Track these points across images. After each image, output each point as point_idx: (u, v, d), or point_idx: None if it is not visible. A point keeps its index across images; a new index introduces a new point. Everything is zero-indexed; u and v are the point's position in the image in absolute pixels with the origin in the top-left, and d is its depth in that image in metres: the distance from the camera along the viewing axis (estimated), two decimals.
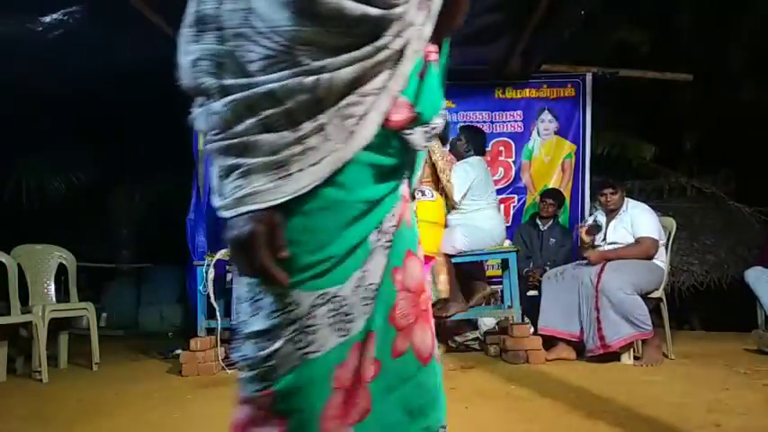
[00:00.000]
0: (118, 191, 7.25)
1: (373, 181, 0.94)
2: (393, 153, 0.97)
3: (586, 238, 4.14)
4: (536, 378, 3.36)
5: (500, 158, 5.37)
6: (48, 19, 4.02)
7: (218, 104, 0.85)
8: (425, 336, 1.06)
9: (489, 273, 5.03)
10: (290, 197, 0.86)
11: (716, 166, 6.52)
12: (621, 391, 2.95)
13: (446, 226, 4.17)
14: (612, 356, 3.76)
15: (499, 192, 4.99)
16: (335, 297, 0.92)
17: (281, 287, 0.89)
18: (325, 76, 0.84)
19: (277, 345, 0.91)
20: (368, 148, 0.90)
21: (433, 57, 1.01)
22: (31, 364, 3.91)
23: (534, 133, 5.36)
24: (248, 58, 0.84)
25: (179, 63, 0.92)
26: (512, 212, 5.34)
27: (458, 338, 4.63)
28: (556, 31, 4.54)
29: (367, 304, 0.96)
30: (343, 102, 0.87)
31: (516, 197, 5.37)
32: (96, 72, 4.65)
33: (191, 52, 0.89)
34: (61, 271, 4.39)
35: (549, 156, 5.35)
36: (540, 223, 4.87)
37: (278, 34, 0.83)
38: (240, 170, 0.85)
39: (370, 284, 0.96)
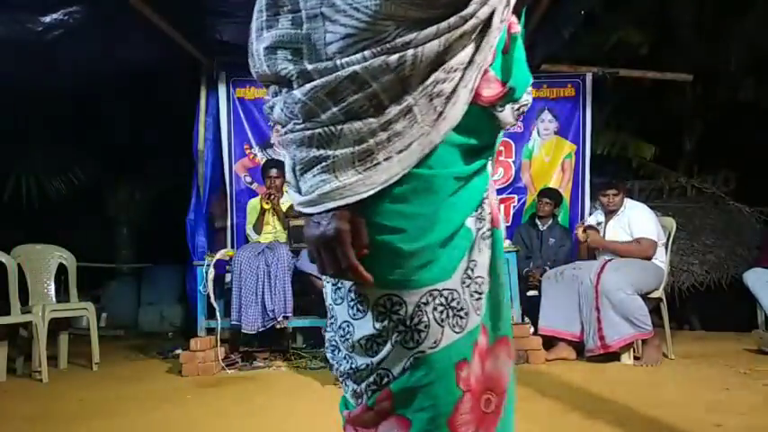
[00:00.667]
0: (118, 191, 7.25)
1: (462, 161, 0.88)
2: (481, 131, 0.91)
3: (582, 237, 4.17)
4: (536, 378, 3.36)
5: (500, 158, 5.36)
6: (48, 19, 4.00)
7: (299, 93, 0.80)
8: None
9: None
10: (380, 188, 0.81)
11: (716, 166, 6.51)
12: (621, 391, 2.95)
13: None
14: (612, 356, 3.76)
15: (499, 192, 4.99)
16: (444, 290, 0.87)
17: (367, 286, 0.85)
18: (410, 52, 0.77)
19: (387, 348, 0.86)
20: (456, 127, 0.84)
21: (516, 29, 0.95)
22: (31, 364, 3.91)
23: (534, 133, 5.36)
24: (327, 40, 0.79)
25: (251, 50, 0.87)
26: (512, 212, 5.34)
27: None
28: (556, 31, 4.53)
29: (478, 299, 0.90)
30: (430, 80, 0.81)
31: (516, 197, 5.36)
32: (96, 72, 4.65)
33: (264, 39, 0.84)
34: (61, 271, 4.39)
35: (549, 156, 5.35)
36: (539, 223, 4.87)
37: (359, 10, 0.77)
38: (325, 163, 0.80)
39: (479, 277, 0.91)
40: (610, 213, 4.16)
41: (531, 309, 4.29)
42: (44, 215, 6.49)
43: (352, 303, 0.89)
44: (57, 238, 4.63)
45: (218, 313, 4.03)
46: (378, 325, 0.86)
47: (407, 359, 0.86)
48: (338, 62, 0.78)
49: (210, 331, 4.07)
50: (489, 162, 0.97)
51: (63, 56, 4.28)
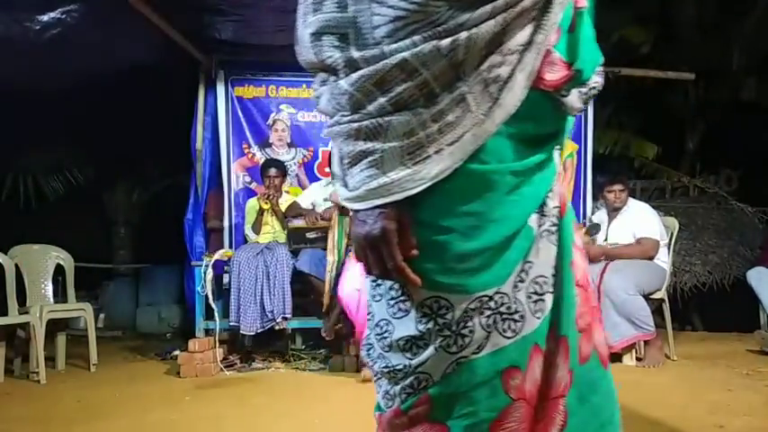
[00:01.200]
0: (116, 191, 7.22)
1: (521, 153, 0.81)
2: (543, 119, 0.84)
3: (585, 238, 4.13)
4: None
5: None
6: (45, 18, 3.98)
7: (345, 83, 0.76)
8: (602, 336, 0.94)
9: None
10: (430, 184, 0.75)
11: (718, 165, 6.49)
12: (623, 392, 2.89)
13: None
14: (614, 357, 3.74)
15: None
16: (495, 294, 0.81)
17: (413, 286, 0.80)
18: (464, 35, 0.72)
19: (429, 352, 0.82)
20: (514, 115, 0.78)
21: (583, 2, 0.87)
22: (29, 366, 3.88)
23: None
24: (374, 23, 0.75)
25: (297, 36, 0.83)
26: None
27: None
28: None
29: (537, 300, 0.84)
30: (485, 64, 0.75)
31: None
32: (94, 71, 4.62)
33: (309, 24, 0.80)
34: (59, 271, 4.36)
35: None
36: None
37: None
38: (372, 157, 0.76)
39: (539, 277, 0.84)
40: (614, 211, 4.12)
41: None
42: (41, 215, 6.47)
43: (392, 302, 0.85)
44: (54, 238, 4.60)
45: (216, 314, 4.01)
46: (421, 327, 0.82)
47: (449, 364, 0.82)
48: (386, 49, 0.73)
49: (209, 332, 4.04)
50: (557, 151, 0.91)
51: (61, 55, 4.25)
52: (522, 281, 0.83)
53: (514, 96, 0.77)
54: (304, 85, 5.10)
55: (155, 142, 6.04)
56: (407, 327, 0.83)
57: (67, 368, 4.18)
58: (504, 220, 0.80)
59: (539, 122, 0.83)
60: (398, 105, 0.74)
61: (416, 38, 0.72)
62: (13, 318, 3.75)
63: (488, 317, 0.81)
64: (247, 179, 5.06)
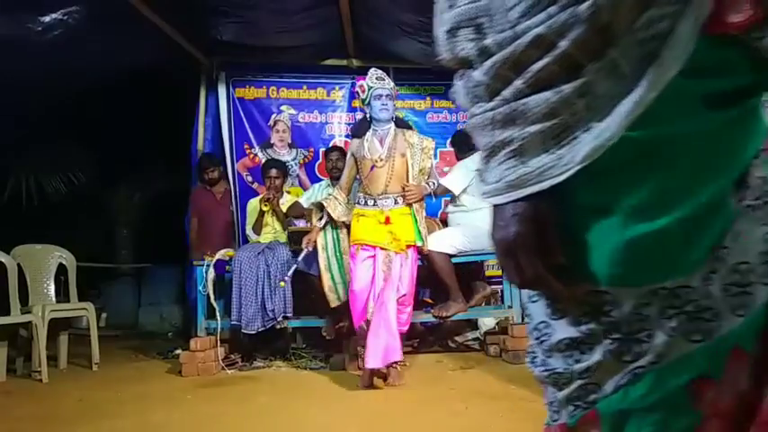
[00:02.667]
0: (118, 191, 7.24)
1: (703, 111, 0.66)
2: (732, 71, 0.67)
3: None
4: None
5: None
6: (47, 19, 3.99)
7: (477, 73, 0.67)
8: None
9: (489, 273, 5.01)
10: (578, 169, 0.63)
11: None
12: None
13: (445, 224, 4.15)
14: None
15: None
16: (676, 288, 0.66)
17: (562, 295, 0.70)
18: None
19: (596, 357, 0.69)
20: (692, 69, 0.62)
21: None
22: (31, 365, 3.90)
23: None
24: (508, 4, 0.65)
25: (435, 36, 0.75)
26: None
27: (458, 338, 4.63)
28: None
29: (738, 293, 0.67)
30: (641, 20, 0.61)
31: None
32: (96, 72, 4.64)
33: (444, 22, 0.72)
34: (61, 271, 4.38)
35: None
36: None
37: None
38: (511, 147, 0.66)
39: (741, 264, 0.67)
40: None
41: None
42: (44, 215, 6.49)
43: (549, 301, 0.74)
44: (56, 238, 4.62)
45: (217, 313, 4.03)
46: (583, 328, 0.70)
47: (623, 375, 0.68)
48: (518, 29, 0.64)
49: (210, 331, 4.06)
50: (765, 107, 0.72)
51: (63, 56, 4.27)
52: (714, 271, 0.67)
53: (678, 52, 0.62)
54: (305, 86, 5.12)
55: (156, 143, 6.06)
56: (566, 328, 0.72)
57: (70, 367, 4.20)
58: (686, 195, 0.65)
59: (725, 75, 0.67)
60: (536, 86, 0.64)
61: (552, 9, 0.62)
62: (15, 317, 3.77)
63: (671, 317, 0.66)
64: (250, 179, 5.08)
